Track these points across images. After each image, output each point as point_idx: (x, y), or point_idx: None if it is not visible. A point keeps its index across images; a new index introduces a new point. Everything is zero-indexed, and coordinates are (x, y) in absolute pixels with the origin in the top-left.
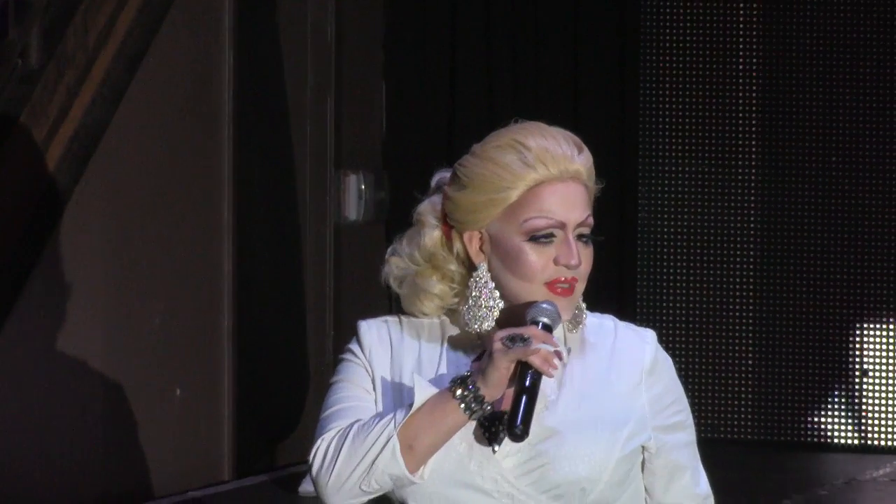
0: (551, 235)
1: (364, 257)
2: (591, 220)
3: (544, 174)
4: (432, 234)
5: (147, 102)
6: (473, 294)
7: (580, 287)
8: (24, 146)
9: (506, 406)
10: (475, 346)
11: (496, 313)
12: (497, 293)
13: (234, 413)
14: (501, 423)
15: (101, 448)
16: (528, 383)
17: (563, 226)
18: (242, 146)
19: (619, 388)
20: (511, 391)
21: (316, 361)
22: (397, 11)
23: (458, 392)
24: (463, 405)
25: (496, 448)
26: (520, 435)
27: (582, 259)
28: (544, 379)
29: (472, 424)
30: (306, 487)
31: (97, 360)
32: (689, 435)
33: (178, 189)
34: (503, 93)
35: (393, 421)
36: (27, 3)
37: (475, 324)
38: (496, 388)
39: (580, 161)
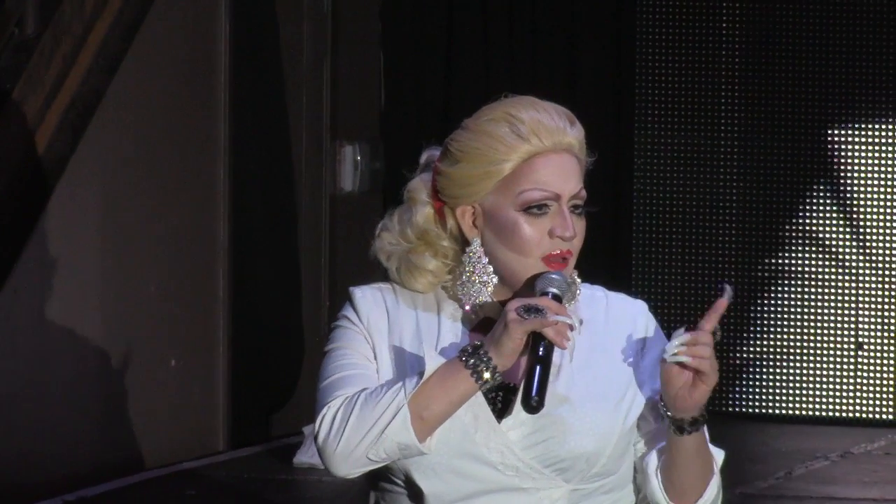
0: (546, 206)
1: (360, 227)
2: (584, 193)
3: (538, 146)
4: (424, 211)
5: (143, 72)
6: (467, 269)
7: (573, 260)
8: (20, 115)
9: (511, 377)
10: (471, 318)
11: (490, 288)
12: (490, 268)
13: (228, 383)
14: (510, 394)
15: (96, 418)
16: (541, 354)
17: (557, 197)
18: (238, 116)
19: (617, 359)
20: (520, 361)
21: (311, 332)
22: None
23: (471, 361)
24: (475, 375)
25: (502, 419)
26: (535, 406)
27: (576, 231)
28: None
29: (478, 395)
30: (301, 458)
31: (92, 329)
32: None
33: (174, 158)
34: (500, 63)
35: (403, 389)
36: None
37: (469, 299)
38: (509, 357)
39: (573, 134)
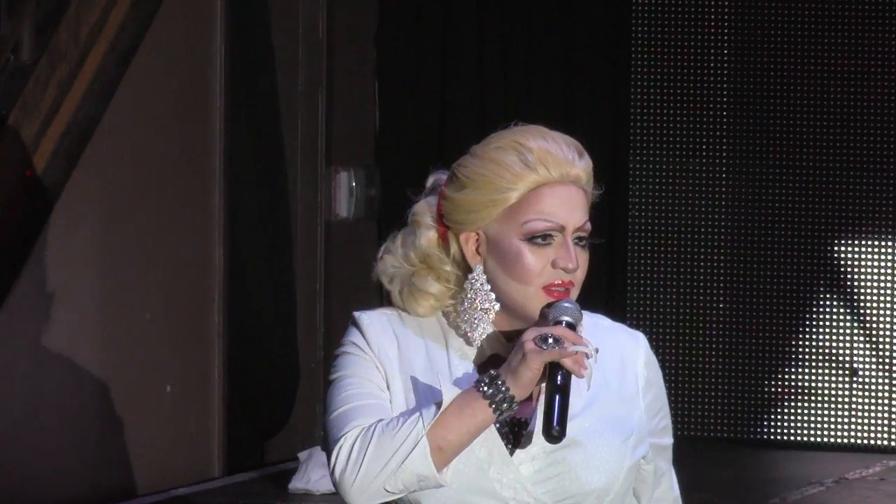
0: (550, 237)
1: (355, 254)
2: (588, 226)
3: (545, 176)
4: (428, 235)
5: (139, 98)
6: (469, 296)
7: (575, 292)
8: (16, 141)
9: (520, 411)
10: (482, 351)
11: (491, 315)
12: (492, 295)
13: (224, 409)
14: (519, 428)
15: (91, 444)
16: (559, 383)
17: (562, 228)
18: (234, 142)
19: (621, 394)
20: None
21: (306, 358)
22: (389, 8)
23: (490, 391)
24: (494, 405)
25: (514, 453)
26: (557, 436)
27: (579, 263)
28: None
29: (491, 430)
30: (296, 484)
31: (88, 355)
32: (671, 439)
33: (170, 185)
34: (495, 90)
35: (421, 420)
36: None
37: (471, 327)
38: (526, 387)
39: (581, 166)
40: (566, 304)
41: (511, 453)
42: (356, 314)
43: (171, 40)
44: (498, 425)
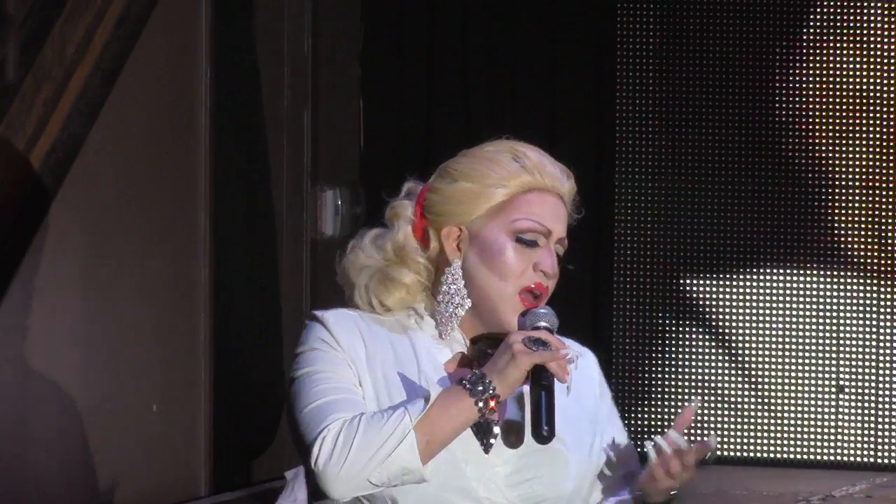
0: (536, 242)
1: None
2: (566, 242)
3: (538, 180)
4: (406, 229)
5: (124, 117)
6: (444, 289)
7: (542, 301)
8: (1, 160)
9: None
10: (442, 346)
11: (461, 312)
12: (466, 292)
13: (210, 428)
14: (489, 431)
15: (76, 463)
16: (545, 384)
17: (549, 234)
18: (219, 161)
19: (583, 403)
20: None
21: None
22: (374, 26)
23: (477, 388)
24: (481, 402)
25: (488, 451)
26: (546, 436)
27: (556, 272)
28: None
29: (467, 431)
30: (283, 503)
31: (73, 373)
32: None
33: (155, 204)
34: (480, 109)
35: (407, 414)
36: (4, 16)
37: (442, 323)
38: (511, 387)
39: (569, 185)
40: (542, 311)
41: (486, 452)
42: (318, 313)
43: (157, 60)
44: (474, 425)
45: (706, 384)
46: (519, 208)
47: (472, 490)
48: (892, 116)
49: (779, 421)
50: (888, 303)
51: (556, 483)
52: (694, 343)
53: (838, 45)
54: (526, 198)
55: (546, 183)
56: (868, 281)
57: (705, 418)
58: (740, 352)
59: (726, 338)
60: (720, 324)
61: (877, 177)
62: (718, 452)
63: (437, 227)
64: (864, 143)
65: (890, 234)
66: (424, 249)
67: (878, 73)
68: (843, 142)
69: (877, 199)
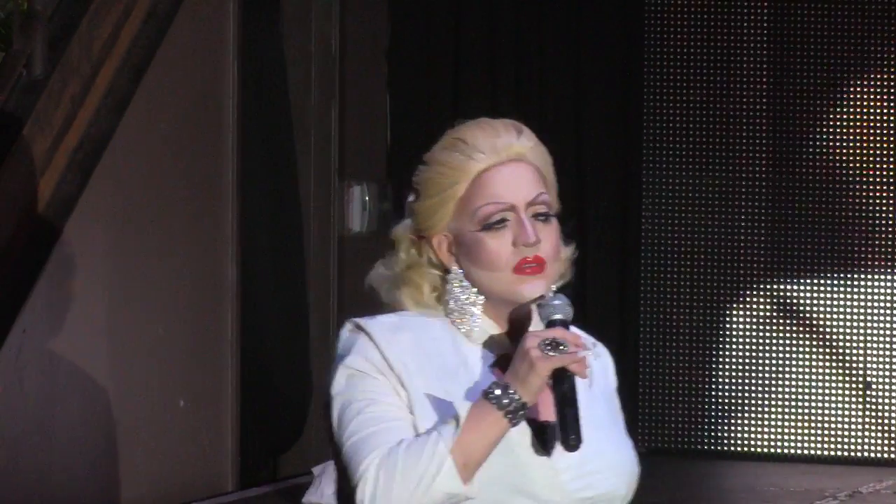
0: (504, 220)
1: (368, 268)
2: (545, 198)
3: (485, 162)
4: (408, 249)
5: (151, 113)
6: (453, 295)
7: (550, 268)
8: (29, 156)
9: (531, 413)
10: (481, 346)
11: (476, 309)
12: (474, 289)
13: (237, 424)
14: (541, 431)
15: (104, 459)
16: (566, 389)
17: (513, 207)
18: (246, 157)
19: (607, 392)
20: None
21: (320, 372)
22: (401, 23)
23: (504, 401)
24: (509, 415)
25: (550, 454)
26: (574, 445)
27: (542, 237)
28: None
29: (525, 433)
30: (309, 499)
31: (100, 370)
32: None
33: (182, 199)
34: (506, 103)
35: (441, 439)
36: (32, 12)
37: (465, 325)
38: (536, 393)
39: (521, 142)
40: (556, 302)
41: (549, 454)
42: (362, 322)
43: (184, 55)
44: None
45: (733, 377)
46: (477, 196)
47: (536, 493)
48: None
49: (806, 417)
50: None
51: (610, 481)
52: (720, 336)
53: (875, 42)
54: (479, 182)
55: (493, 160)
56: (894, 279)
57: (732, 412)
58: (766, 349)
59: (753, 331)
60: (746, 322)
61: (891, 173)
62: (749, 449)
63: (428, 240)
64: None
65: None
66: (430, 263)
67: None
68: (878, 140)
69: None
